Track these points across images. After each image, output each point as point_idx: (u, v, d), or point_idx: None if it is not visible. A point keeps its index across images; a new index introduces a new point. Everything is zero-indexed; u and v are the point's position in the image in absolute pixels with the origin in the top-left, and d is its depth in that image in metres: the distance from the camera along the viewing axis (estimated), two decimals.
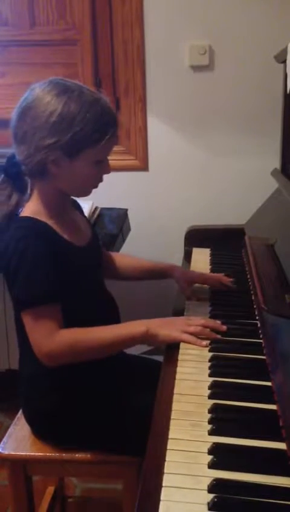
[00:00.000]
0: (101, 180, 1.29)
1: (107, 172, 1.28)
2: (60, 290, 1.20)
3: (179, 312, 1.41)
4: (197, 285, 1.54)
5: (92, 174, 1.26)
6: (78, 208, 1.45)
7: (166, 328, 1.22)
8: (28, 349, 1.24)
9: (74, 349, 1.20)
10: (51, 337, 1.18)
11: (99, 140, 1.20)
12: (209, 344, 1.21)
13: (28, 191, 1.29)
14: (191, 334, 1.21)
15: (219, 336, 1.23)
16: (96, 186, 1.30)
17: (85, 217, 1.47)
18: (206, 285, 1.55)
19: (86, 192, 1.31)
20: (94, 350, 1.22)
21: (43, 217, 1.25)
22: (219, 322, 1.27)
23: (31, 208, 1.27)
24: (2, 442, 1.35)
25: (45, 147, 1.18)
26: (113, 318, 1.40)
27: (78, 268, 1.28)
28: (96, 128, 1.19)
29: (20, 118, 1.21)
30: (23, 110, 1.21)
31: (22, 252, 1.18)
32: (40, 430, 1.35)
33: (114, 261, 1.56)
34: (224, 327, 1.25)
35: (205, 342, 1.20)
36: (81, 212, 1.46)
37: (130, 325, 1.23)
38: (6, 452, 1.32)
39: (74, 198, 1.39)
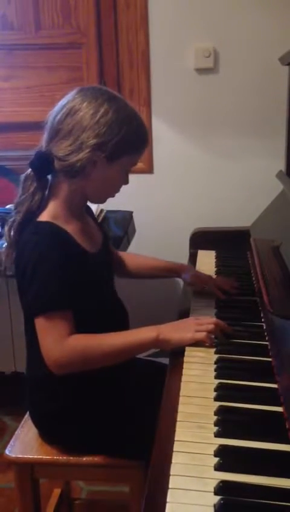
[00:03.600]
0: (119, 190, 1.34)
1: (127, 183, 1.33)
2: (73, 296, 1.19)
3: (184, 314, 1.41)
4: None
5: (119, 181, 1.31)
6: (90, 212, 1.45)
7: (178, 331, 1.22)
8: (36, 353, 1.24)
9: (84, 356, 1.19)
10: (61, 343, 1.17)
11: (138, 149, 1.28)
12: (215, 346, 1.21)
13: (47, 190, 1.28)
14: (204, 332, 1.21)
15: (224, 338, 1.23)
16: (113, 196, 1.35)
17: (96, 220, 1.47)
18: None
19: (103, 200, 1.36)
20: (104, 357, 1.21)
21: (61, 221, 1.25)
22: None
23: (50, 211, 1.26)
24: (9, 445, 1.35)
25: (90, 146, 1.20)
26: (123, 324, 1.40)
27: (91, 276, 1.28)
28: (137, 137, 1.26)
29: (68, 116, 1.22)
30: (71, 109, 1.22)
31: (38, 258, 1.18)
32: (47, 434, 1.35)
33: (126, 261, 1.58)
34: (230, 328, 1.26)
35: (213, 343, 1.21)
36: (93, 216, 1.47)
37: (141, 331, 1.23)
38: (13, 455, 1.33)
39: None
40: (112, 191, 1.33)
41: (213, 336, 1.22)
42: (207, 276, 1.59)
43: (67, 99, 1.24)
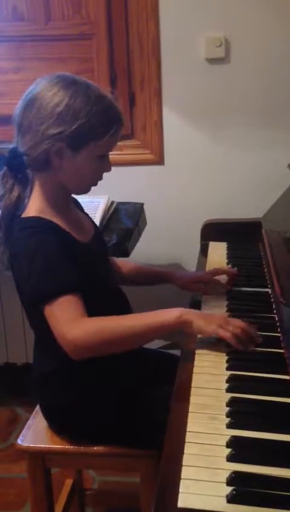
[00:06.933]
0: (100, 177, 1.30)
1: (108, 169, 1.29)
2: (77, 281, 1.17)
3: (195, 305, 1.41)
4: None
5: (93, 169, 1.27)
6: (79, 206, 1.45)
7: (203, 318, 1.15)
8: (44, 347, 1.23)
9: (101, 337, 1.13)
10: (75, 324, 1.12)
11: (104, 135, 1.22)
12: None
13: (29, 186, 1.28)
14: (228, 332, 1.13)
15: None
16: (95, 184, 1.31)
17: (86, 214, 1.46)
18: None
19: (85, 189, 1.32)
20: (123, 339, 1.15)
21: (48, 215, 1.24)
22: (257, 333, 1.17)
23: (35, 206, 1.25)
24: (21, 435, 1.37)
25: (50, 137, 1.19)
26: (124, 312, 1.38)
27: (84, 265, 1.25)
28: (101, 122, 1.21)
29: (26, 109, 1.22)
30: (29, 101, 1.22)
31: (35, 248, 1.17)
32: (56, 426, 1.35)
33: (119, 267, 1.55)
34: (260, 339, 1.16)
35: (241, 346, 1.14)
36: (82, 210, 1.46)
37: (162, 311, 1.17)
38: (25, 445, 1.34)
39: (74, 197, 1.40)
40: (90, 179, 1.29)
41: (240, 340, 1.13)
42: (199, 274, 1.54)
43: (28, 91, 1.24)
